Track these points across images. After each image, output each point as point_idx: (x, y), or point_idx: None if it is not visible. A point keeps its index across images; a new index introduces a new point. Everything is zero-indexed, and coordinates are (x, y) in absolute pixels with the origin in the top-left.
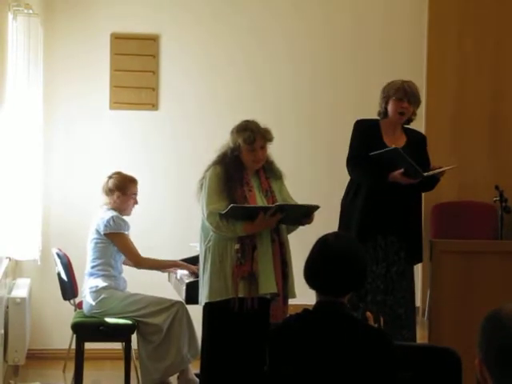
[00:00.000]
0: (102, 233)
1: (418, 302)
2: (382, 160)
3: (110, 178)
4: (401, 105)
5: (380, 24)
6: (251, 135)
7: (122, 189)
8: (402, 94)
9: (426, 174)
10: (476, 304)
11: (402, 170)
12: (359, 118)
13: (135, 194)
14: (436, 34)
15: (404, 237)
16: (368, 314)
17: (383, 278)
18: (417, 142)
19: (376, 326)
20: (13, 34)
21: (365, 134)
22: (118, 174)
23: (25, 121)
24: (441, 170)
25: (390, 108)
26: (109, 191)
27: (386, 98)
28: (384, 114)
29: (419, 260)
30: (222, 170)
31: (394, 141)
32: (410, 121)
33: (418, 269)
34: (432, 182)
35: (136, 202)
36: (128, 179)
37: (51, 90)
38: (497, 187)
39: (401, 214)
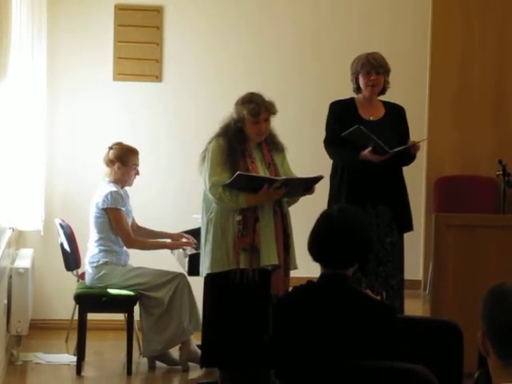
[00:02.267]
0: (100, 207)
1: (420, 276)
2: (352, 139)
3: (110, 148)
4: (369, 77)
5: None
6: (256, 107)
7: (123, 160)
8: (368, 67)
9: (392, 150)
10: (478, 278)
11: (370, 148)
12: (333, 100)
13: (136, 164)
14: (441, 9)
15: (394, 206)
16: (367, 291)
17: (374, 249)
18: (395, 113)
19: (378, 298)
20: (17, 5)
21: (340, 114)
22: (119, 144)
23: (28, 92)
24: (409, 144)
25: (360, 83)
26: (109, 162)
27: (355, 74)
28: (357, 89)
29: (409, 228)
30: (224, 142)
31: (371, 113)
32: (384, 90)
33: (420, 242)
34: (407, 158)
35: (137, 173)
36: (128, 150)
37: (55, 61)
38: (500, 161)
39: (386, 184)
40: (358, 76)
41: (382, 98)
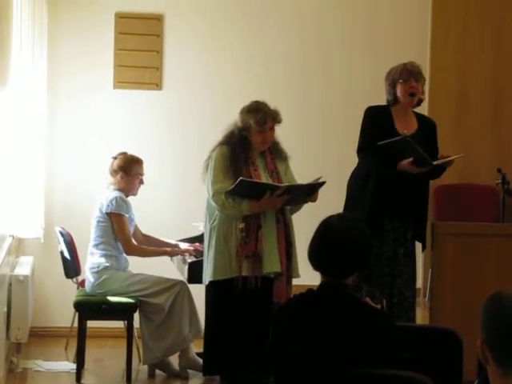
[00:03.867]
0: (104, 211)
1: (419, 284)
2: (392, 148)
3: (114, 158)
4: (409, 85)
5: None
6: (263, 117)
7: (126, 169)
8: (407, 75)
9: (435, 162)
10: (477, 286)
11: (411, 159)
12: (370, 105)
13: (140, 174)
14: (440, 13)
15: (410, 218)
16: (367, 299)
17: (389, 261)
18: (428, 127)
19: (379, 307)
20: (17, 11)
21: (376, 121)
22: (123, 154)
23: (28, 99)
24: (449, 159)
25: (398, 92)
26: (113, 172)
27: (392, 84)
28: (393, 100)
29: (422, 239)
30: (228, 150)
31: (406, 127)
32: (420, 101)
33: (419, 250)
34: (439, 171)
35: (142, 182)
36: (132, 160)
37: (55, 69)
38: (499, 170)
39: (410, 199)
40: (396, 85)
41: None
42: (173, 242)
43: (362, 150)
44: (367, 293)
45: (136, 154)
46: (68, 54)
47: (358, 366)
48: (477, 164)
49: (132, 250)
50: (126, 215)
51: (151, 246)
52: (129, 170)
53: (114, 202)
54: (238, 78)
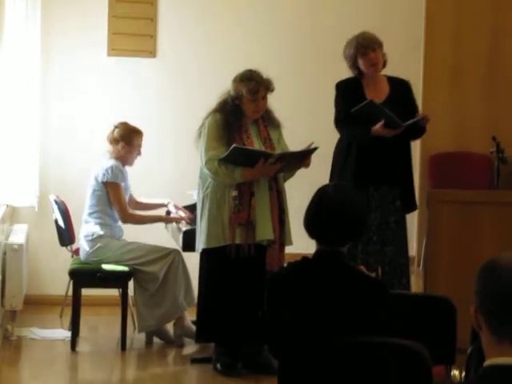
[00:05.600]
0: (100, 180)
1: (413, 252)
2: (363, 115)
3: (116, 127)
4: (368, 57)
5: None
6: (255, 86)
7: (127, 139)
8: (362, 49)
9: (405, 123)
10: (472, 254)
11: (382, 123)
12: (339, 80)
13: (139, 145)
14: None
15: (397, 185)
16: (361, 267)
17: (377, 229)
18: (400, 89)
19: (373, 275)
20: None
21: (347, 93)
22: (124, 124)
23: (22, 68)
24: (416, 119)
25: (360, 65)
26: (114, 141)
27: (352, 60)
28: (359, 73)
29: (414, 208)
30: (221, 118)
31: (377, 93)
32: (384, 63)
33: (414, 218)
34: (418, 131)
35: (139, 154)
36: (134, 130)
37: (49, 38)
38: (494, 138)
39: (393, 164)
40: (356, 60)
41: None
42: (165, 201)
43: (337, 122)
44: (362, 260)
45: (130, 121)
46: (62, 23)
47: (352, 334)
48: (471, 132)
49: (127, 218)
50: (122, 184)
51: (144, 210)
52: (130, 140)
53: (109, 171)
54: (232, 45)
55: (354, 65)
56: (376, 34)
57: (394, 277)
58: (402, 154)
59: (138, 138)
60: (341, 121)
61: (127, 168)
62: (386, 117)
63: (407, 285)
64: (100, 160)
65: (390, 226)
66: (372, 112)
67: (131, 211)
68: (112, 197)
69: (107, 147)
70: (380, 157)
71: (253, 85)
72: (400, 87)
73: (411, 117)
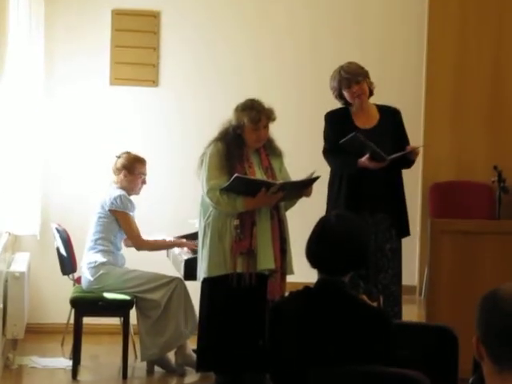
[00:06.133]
0: (107, 208)
1: (415, 281)
2: (350, 147)
3: (118, 157)
4: (352, 91)
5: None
6: (257, 115)
7: (129, 168)
8: (346, 82)
9: (390, 157)
10: (473, 283)
11: (367, 156)
12: (328, 111)
13: (143, 173)
14: (437, 13)
15: (392, 213)
16: (363, 296)
17: (372, 256)
18: (390, 118)
19: (375, 305)
20: (14, 7)
21: (336, 124)
22: (127, 153)
23: (25, 96)
24: (402, 153)
25: (346, 97)
26: (116, 170)
27: (337, 92)
28: (346, 104)
29: (407, 233)
30: (223, 147)
31: (366, 121)
32: (371, 92)
33: (415, 247)
34: (406, 163)
35: (144, 182)
36: (135, 159)
37: (52, 66)
38: (495, 167)
39: (385, 191)
40: (341, 93)
41: (375, 101)
42: (166, 238)
43: (325, 153)
44: (364, 290)
45: (132, 150)
46: (65, 52)
47: (355, 364)
48: (473, 161)
49: (142, 245)
50: (131, 213)
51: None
52: (132, 169)
53: (118, 201)
54: (234, 74)
55: (339, 95)
56: (376, 61)
57: (387, 305)
58: (393, 182)
59: (141, 167)
60: (328, 151)
61: (133, 197)
62: (371, 150)
63: (399, 313)
64: (106, 189)
65: (384, 254)
66: (358, 145)
67: (144, 238)
68: (123, 226)
69: (112, 177)
70: (370, 187)
71: (254, 114)
72: (390, 116)
73: (400, 146)
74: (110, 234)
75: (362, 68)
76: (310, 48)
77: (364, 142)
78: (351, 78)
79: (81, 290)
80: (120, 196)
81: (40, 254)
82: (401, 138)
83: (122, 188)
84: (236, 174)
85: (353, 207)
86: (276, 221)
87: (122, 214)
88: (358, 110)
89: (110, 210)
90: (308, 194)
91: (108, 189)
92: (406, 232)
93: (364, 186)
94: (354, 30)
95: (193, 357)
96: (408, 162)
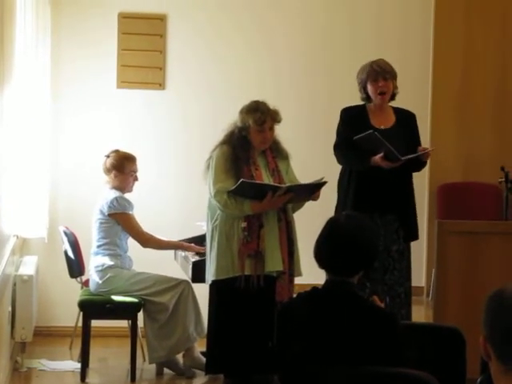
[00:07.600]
0: (106, 213)
1: (423, 282)
2: (364, 144)
3: (107, 157)
4: (377, 84)
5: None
6: (262, 116)
7: (119, 167)
8: (374, 75)
9: (403, 157)
10: (480, 284)
11: (382, 154)
12: (345, 107)
13: (134, 171)
14: (443, 16)
15: (401, 215)
16: (374, 297)
17: (380, 257)
18: (406, 120)
19: (383, 305)
20: (21, 11)
21: (351, 121)
22: (115, 152)
23: (32, 100)
24: (416, 154)
25: (369, 92)
26: (106, 170)
27: (362, 84)
28: (366, 98)
29: (415, 238)
30: (228, 150)
31: (383, 122)
32: (393, 96)
33: (423, 249)
34: (418, 165)
35: (136, 179)
36: (124, 157)
37: (59, 69)
38: (502, 168)
39: (395, 193)
40: (366, 85)
41: (392, 103)
42: (176, 241)
43: (336, 148)
44: (371, 291)
45: (139, 153)
46: (72, 55)
47: (363, 365)
48: (480, 162)
49: (148, 242)
50: (131, 212)
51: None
52: (122, 168)
53: (115, 203)
54: (240, 77)
55: (363, 89)
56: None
57: (393, 306)
58: (403, 184)
59: (131, 164)
60: (339, 145)
61: (135, 198)
62: (386, 149)
63: (406, 315)
64: (101, 191)
65: (391, 255)
66: (373, 143)
67: (149, 235)
68: (125, 226)
69: (104, 178)
70: (379, 187)
71: (259, 115)
72: (406, 119)
73: (412, 149)
74: (114, 238)
75: (393, 69)
76: (323, 50)
77: (380, 140)
78: (380, 72)
79: (89, 293)
80: (116, 198)
81: (48, 257)
82: (414, 141)
83: (115, 188)
84: (242, 179)
85: (362, 208)
86: (284, 223)
87: (121, 215)
88: (376, 109)
89: (109, 215)
90: (315, 199)
91: (102, 191)
92: (414, 236)
93: (374, 187)
94: (354, 31)
95: (201, 359)
96: (419, 164)
